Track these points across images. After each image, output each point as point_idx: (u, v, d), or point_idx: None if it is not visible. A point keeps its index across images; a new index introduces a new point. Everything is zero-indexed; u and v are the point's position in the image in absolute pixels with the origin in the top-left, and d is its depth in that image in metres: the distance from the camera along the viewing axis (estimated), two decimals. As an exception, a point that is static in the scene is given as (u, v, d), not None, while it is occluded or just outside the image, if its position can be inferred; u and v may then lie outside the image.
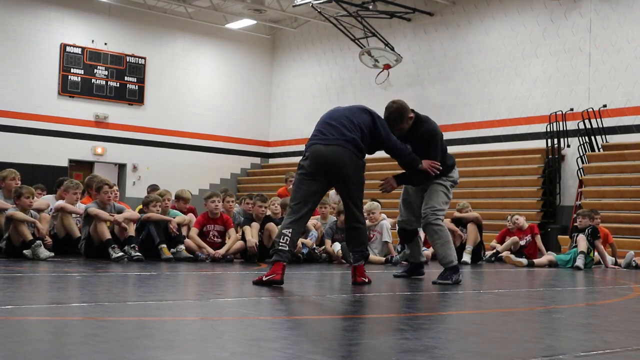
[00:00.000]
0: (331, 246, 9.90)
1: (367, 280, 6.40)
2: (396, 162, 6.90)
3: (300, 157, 6.33)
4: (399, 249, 10.05)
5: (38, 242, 8.15)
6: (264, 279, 5.82)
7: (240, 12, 23.34)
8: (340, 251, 9.64)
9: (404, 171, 6.93)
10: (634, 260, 10.68)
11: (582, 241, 10.28)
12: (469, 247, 10.70)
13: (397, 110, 6.69)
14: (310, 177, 6.10)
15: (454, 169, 7.13)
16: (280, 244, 5.89)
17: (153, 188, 11.74)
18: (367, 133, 6.26)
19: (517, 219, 11.47)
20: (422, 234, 8.41)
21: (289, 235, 5.91)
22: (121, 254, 8.18)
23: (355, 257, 6.40)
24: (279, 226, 6.13)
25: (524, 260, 10.61)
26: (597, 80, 16.72)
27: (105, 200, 8.74)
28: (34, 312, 4.11)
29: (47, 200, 9.36)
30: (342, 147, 6.10)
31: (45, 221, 8.73)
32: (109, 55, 22.39)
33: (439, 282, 6.76)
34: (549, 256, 10.93)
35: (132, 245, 8.44)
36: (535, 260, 10.70)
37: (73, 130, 21.79)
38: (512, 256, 10.78)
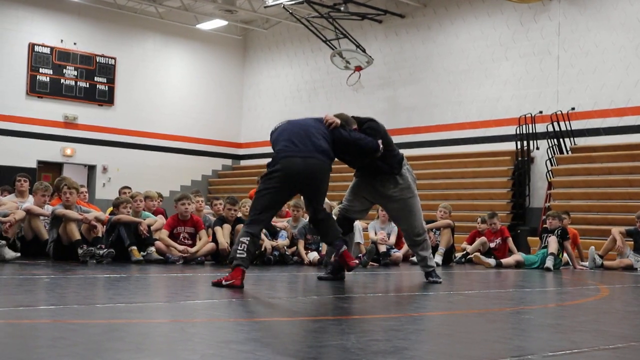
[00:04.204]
0: (306, 252, 9.83)
1: (357, 262, 6.68)
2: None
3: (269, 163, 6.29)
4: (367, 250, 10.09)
5: (2, 242, 8.02)
6: (224, 282, 5.91)
7: (211, 13, 23.24)
8: (316, 259, 9.51)
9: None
10: (597, 254, 10.80)
11: (553, 242, 10.39)
12: (441, 249, 10.81)
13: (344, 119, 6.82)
14: (279, 190, 6.17)
15: (404, 164, 7.16)
16: (238, 251, 5.98)
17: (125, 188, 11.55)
18: (330, 141, 6.41)
19: (495, 224, 11.57)
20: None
21: (246, 242, 5.99)
22: (90, 248, 8.13)
23: (337, 245, 6.49)
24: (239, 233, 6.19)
25: (492, 261, 10.72)
26: (565, 83, 16.90)
27: (64, 202, 8.64)
28: (0, 316, 4.05)
29: (14, 203, 9.23)
30: (318, 160, 6.21)
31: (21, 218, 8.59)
32: (79, 55, 22.16)
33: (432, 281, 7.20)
34: (517, 256, 11.05)
35: (98, 246, 8.35)
36: (503, 261, 10.85)
37: (42, 131, 21.51)
38: (482, 257, 10.90)
